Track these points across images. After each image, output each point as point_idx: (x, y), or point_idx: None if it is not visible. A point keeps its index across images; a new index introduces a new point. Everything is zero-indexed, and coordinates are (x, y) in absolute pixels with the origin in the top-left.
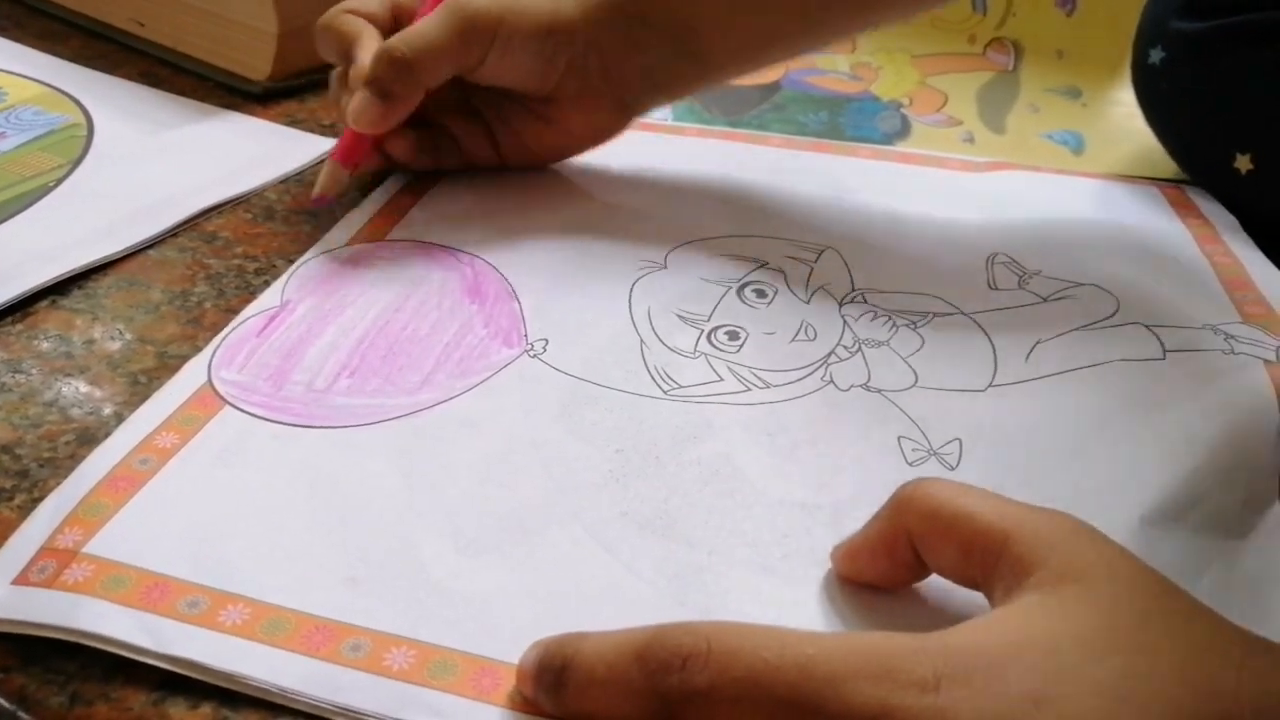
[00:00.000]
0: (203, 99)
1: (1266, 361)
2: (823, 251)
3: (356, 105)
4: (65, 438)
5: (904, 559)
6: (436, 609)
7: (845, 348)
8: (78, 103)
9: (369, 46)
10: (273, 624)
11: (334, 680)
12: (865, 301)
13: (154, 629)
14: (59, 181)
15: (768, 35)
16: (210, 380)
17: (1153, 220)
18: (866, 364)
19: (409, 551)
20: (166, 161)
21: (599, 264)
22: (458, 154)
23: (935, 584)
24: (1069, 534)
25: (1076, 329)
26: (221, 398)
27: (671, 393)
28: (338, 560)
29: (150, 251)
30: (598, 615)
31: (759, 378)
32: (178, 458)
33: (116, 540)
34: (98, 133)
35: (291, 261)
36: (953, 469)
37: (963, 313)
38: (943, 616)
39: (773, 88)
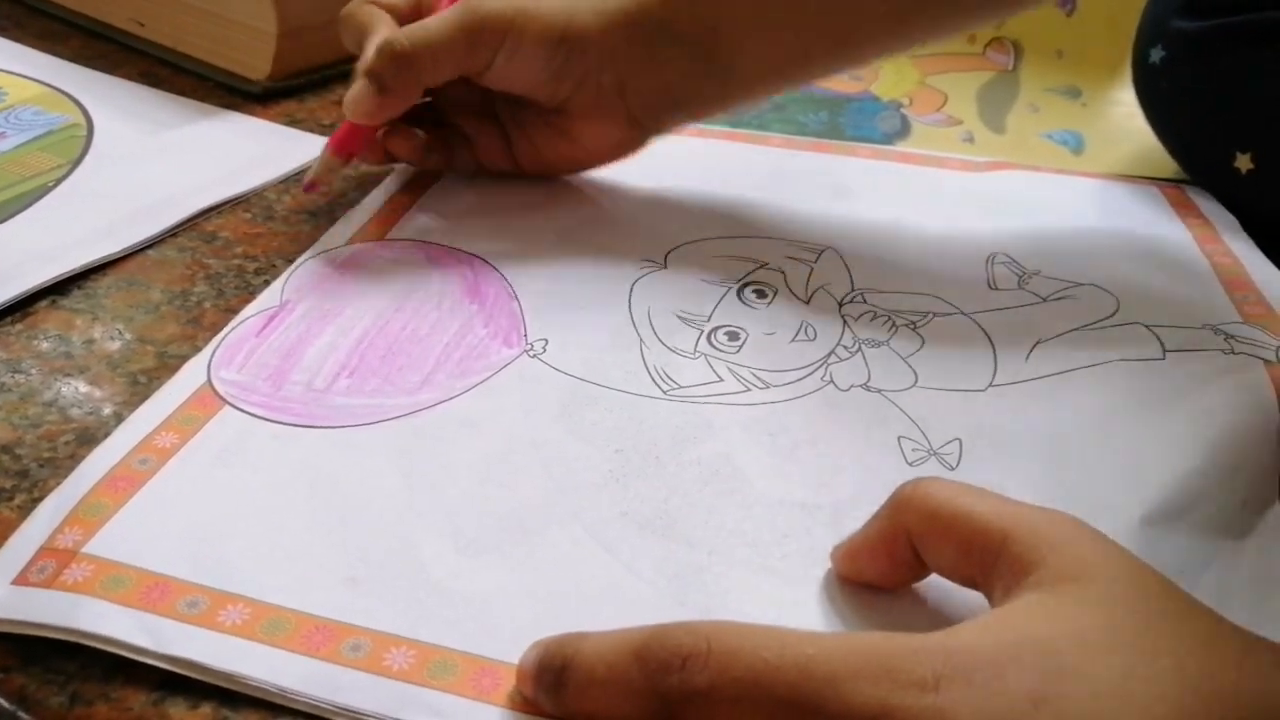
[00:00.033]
0: (202, 99)
1: (1266, 361)
2: (823, 251)
3: (352, 95)
4: (65, 438)
5: (904, 559)
6: (436, 609)
7: (845, 348)
8: (77, 103)
9: (380, 37)
10: (272, 624)
11: (334, 680)
12: (865, 301)
13: (154, 629)
14: (59, 181)
15: (798, 52)
16: (210, 380)
17: (1153, 220)
18: (866, 364)
19: (409, 551)
20: (166, 161)
21: (599, 264)
22: (471, 157)
23: (935, 584)
24: (1068, 534)
25: (1076, 329)
26: (221, 398)
27: (671, 393)
28: (338, 560)
29: (150, 251)
30: (598, 615)
31: (759, 378)
32: (177, 458)
33: (116, 540)
34: (97, 133)
35: (291, 261)
36: (953, 469)
37: (963, 313)
38: (942, 616)
39: None
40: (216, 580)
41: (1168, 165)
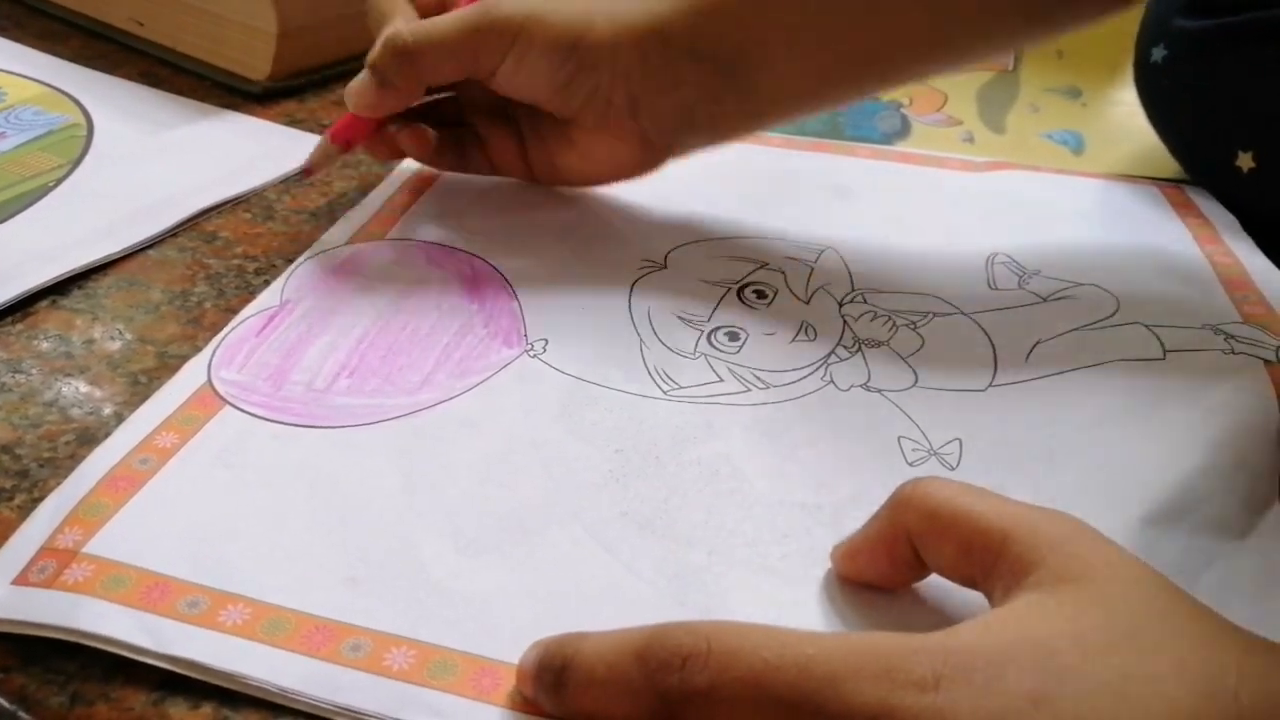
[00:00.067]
0: (202, 99)
1: (1266, 361)
2: (823, 252)
3: (354, 84)
4: (65, 438)
5: (904, 558)
6: (436, 609)
7: (845, 348)
8: (77, 103)
9: (391, 28)
10: (273, 624)
11: (334, 680)
12: (865, 301)
13: (154, 629)
14: (59, 181)
15: (830, 71)
16: (210, 380)
17: (1153, 220)
18: (867, 364)
19: (409, 551)
20: (166, 161)
21: (599, 264)
22: (484, 160)
23: (935, 584)
24: (1068, 534)
25: (1077, 329)
26: (221, 398)
27: (671, 393)
28: (338, 560)
29: (150, 251)
30: (598, 615)
31: (759, 378)
32: (178, 458)
33: (116, 540)
34: (97, 133)
35: (291, 261)
36: (953, 469)
37: (963, 313)
38: (942, 616)
39: None
40: (217, 580)
41: (1168, 165)
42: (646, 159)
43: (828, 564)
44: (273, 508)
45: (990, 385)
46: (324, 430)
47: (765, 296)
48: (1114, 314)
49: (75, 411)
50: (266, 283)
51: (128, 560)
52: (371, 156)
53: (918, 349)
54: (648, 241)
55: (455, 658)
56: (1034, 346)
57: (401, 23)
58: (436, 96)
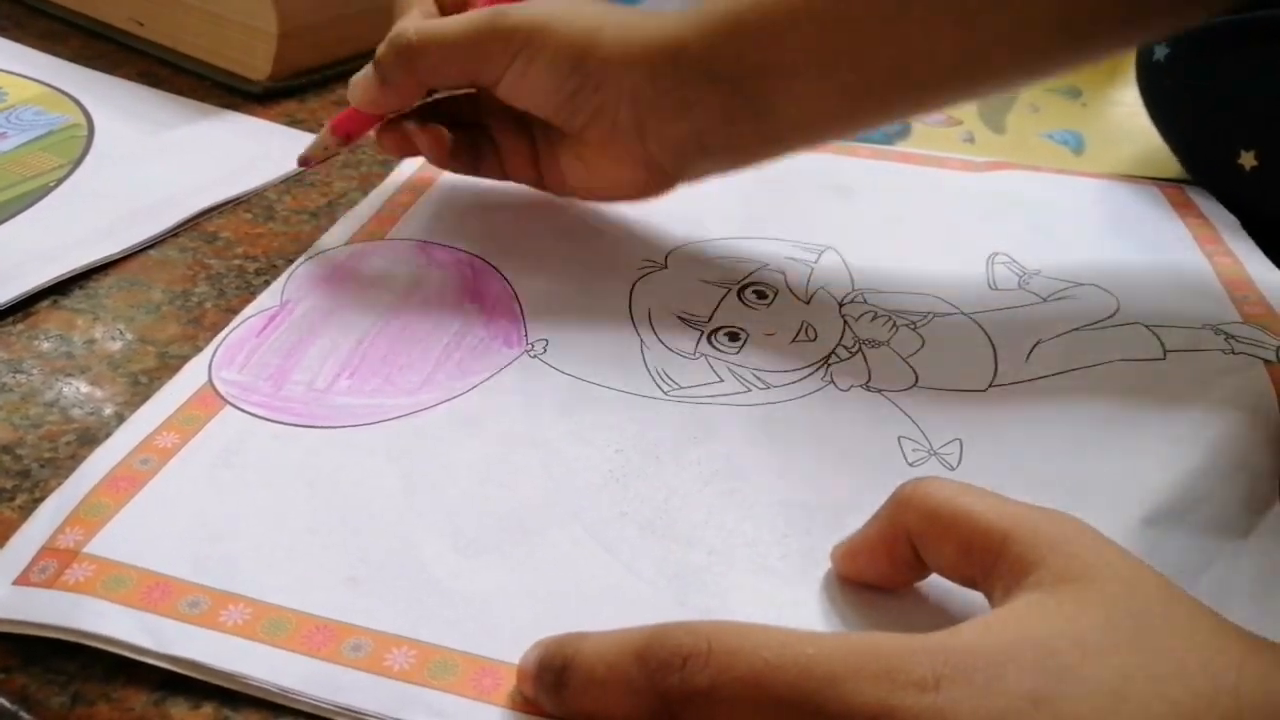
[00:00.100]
0: (203, 99)
1: (1267, 361)
2: (823, 252)
3: (356, 78)
4: (66, 438)
5: (904, 558)
6: (437, 609)
7: (845, 348)
8: (78, 103)
9: (408, 18)
10: (273, 624)
11: (335, 680)
12: (865, 302)
13: (155, 629)
14: (59, 181)
15: (854, 94)
16: (211, 380)
17: (1153, 220)
18: (867, 364)
19: (409, 551)
20: (167, 161)
21: (599, 264)
22: (497, 165)
23: (935, 584)
24: (1069, 534)
25: (1077, 329)
26: (222, 398)
27: (672, 393)
28: (338, 560)
29: (151, 251)
30: (598, 615)
31: (759, 378)
32: (178, 458)
33: (117, 540)
34: (98, 133)
35: (292, 261)
36: (953, 469)
37: (963, 313)
38: (942, 616)
39: None
40: (217, 580)
41: (1168, 165)
42: (654, 183)
43: (828, 564)
44: (273, 508)
45: (990, 385)
46: (325, 430)
47: (765, 297)
48: (1114, 314)
49: (76, 412)
50: (267, 283)
51: (128, 560)
52: (384, 151)
53: (918, 349)
54: (648, 241)
55: (456, 658)
56: (1034, 346)
57: (411, 20)
58: (453, 92)
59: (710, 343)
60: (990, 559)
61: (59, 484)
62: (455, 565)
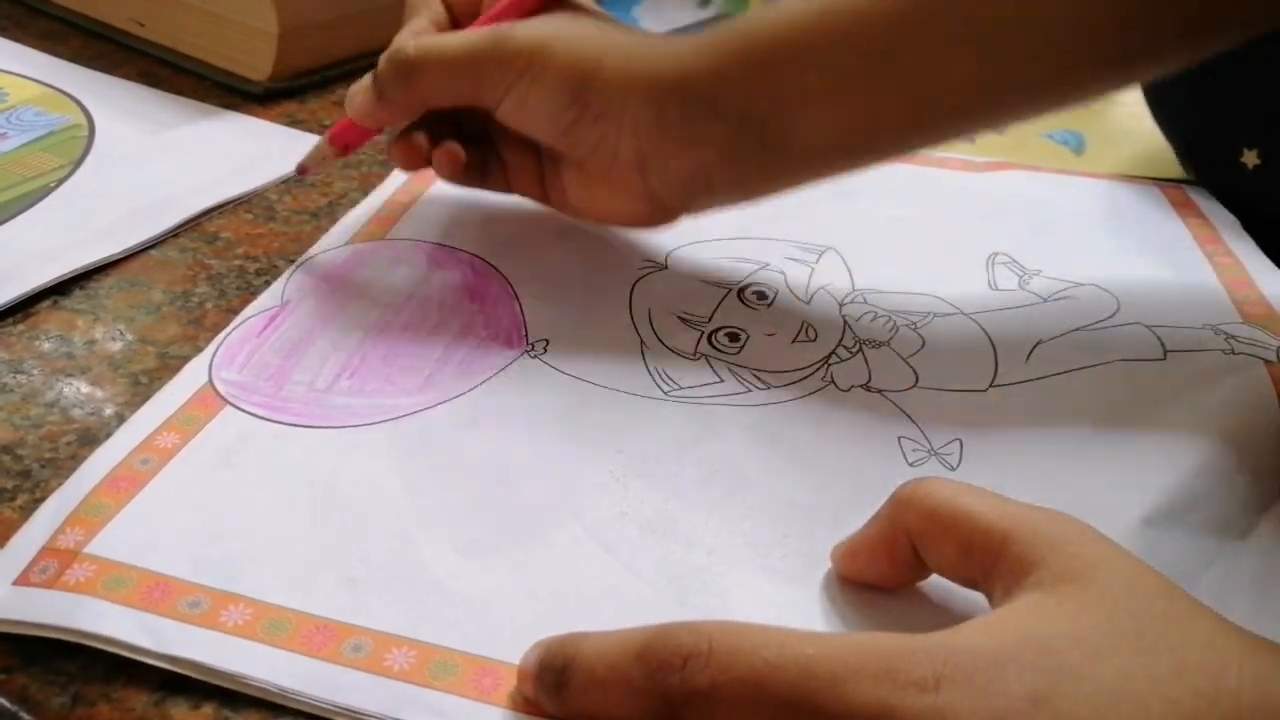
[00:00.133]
0: (203, 99)
1: (1267, 361)
2: (823, 252)
3: (354, 90)
4: (66, 438)
5: (904, 558)
6: (437, 609)
7: (846, 348)
8: (79, 103)
9: (414, 25)
10: (274, 624)
11: (335, 680)
12: (866, 302)
13: (155, 629)
14: (60, 182)
15: (871, 124)
16: (211, 380)
17: (1153, 220)
18: (867, 364)
19: (410, 552)
20: (167, 162)
21: (599, 265)
22: (503, 181)
23: (935, 584)
24: (1069, 534)
25: (1077, 329)
26: (222, 398)
27: (672, 393)
28: (339, 560)
29: (151, 252)
30: (598, 615)
31: (759, 379)
32: (179, 458)
33: (118, 540)
34: (99, 133)
35: (292, 261)
36: (953, 469)
37: (963, 313)
38: (943, 616)
39: None
40: (218, 580)
41: (1168, 165)
42: (655, 215)
43: (828, 564)
44: (274, 508)
45: (991, 385)
46: (325, 430)
47: (766, 297)
48: (1114, 314)
49: (76, 412)
50: (267, 283)
51: (129, 560)
52: (396, 164)
53: (918, 349)
54: (648, 242)
55: (456, 658)
56: (1034, 347)
57: (416, 27)
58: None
59: (710, 343)
60: (990, 559)
61: (59, 484)
62: (456, 565)
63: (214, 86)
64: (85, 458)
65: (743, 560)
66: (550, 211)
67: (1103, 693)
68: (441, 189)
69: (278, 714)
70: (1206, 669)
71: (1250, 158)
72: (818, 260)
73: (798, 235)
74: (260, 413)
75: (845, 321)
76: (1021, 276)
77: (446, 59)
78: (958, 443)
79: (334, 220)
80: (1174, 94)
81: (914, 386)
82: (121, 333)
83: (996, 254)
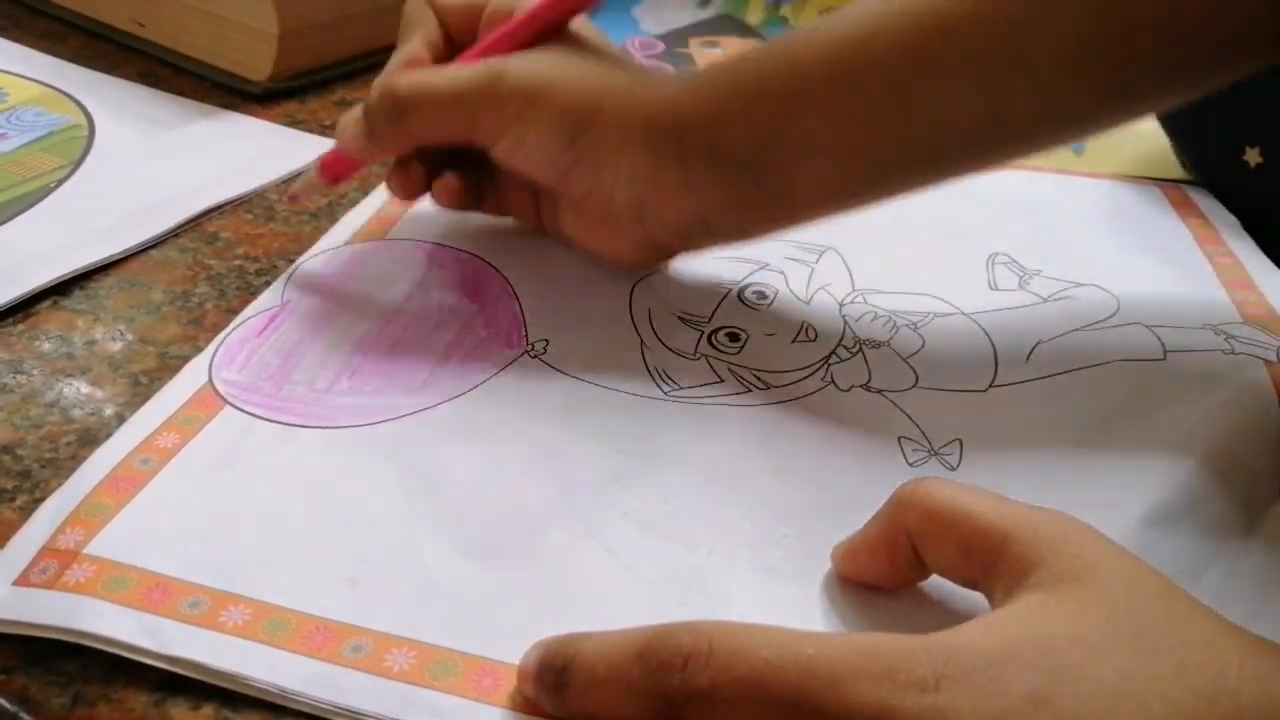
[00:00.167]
0: (203, 99)
1: (1267, 361)
2: (823, 252)
3: (344, 123)
4: (66, 438)
5: (904, 559)
6: (437, 610)
7: (846, 348)
8: (78, 103)
9: (407, 51)
10: (274, 625)
11: (335, 681)
12: (866, 302)
13: (155, 630)
14: (60, 182)
15: (874, 165)
16: (211, 380)
17: (1153, 220)
18: (867, 364)
19: (410, 552)
20: (167, 162)
21: (599, 265)
22: (500, 207)
23: (935, 584)
24: (1069, 534)
25: (1077, 329)
26: (222, 398)
27: (672, 393)
28: (339, 561)
29: (151, 252)
30: (598, 615)
31: (759, 379)
32: (178, 458)
33: (117, 541)
34: (99, 133)
35: (292, 261)
36: (953, 469)
37: (963, 313)
38: (943, 616)
39: None
40: (218, 581)
41: (1169, 165)
42: (652, 255)
43: (828, 564)
44: (273, 508)
45: (991, 386)
46: (325, 430)
47: (766, 297)
48: (1114, 314)
49: (76, 412)
50: (267, 283)
51: (129, 561)
52: (392, 193)
53: (918, 349)
54: None
55: (456, 658)
56: (1034, 347)
57: (407, 54)
58: None
59: (711, 343)
60: (990, 559)
61: (59, 484)
62: (456, 566)
63: (214, 87)
64: (85, 458)
65: (743, 560)
66: None
67: (1103, 693)
68: None
69: (278, 714)
70: (1207, 669)
71: (1253, 156)
72: (818, 260)
73: (798, 235)
74: (260, 413)
75: (845, 321)
76: (1022, 276)
77: (439, 98)
78: (957, 443)
79: (334, 220)
80: None
81: (914, 387)
82: (121, 333)
83: (997, 254)
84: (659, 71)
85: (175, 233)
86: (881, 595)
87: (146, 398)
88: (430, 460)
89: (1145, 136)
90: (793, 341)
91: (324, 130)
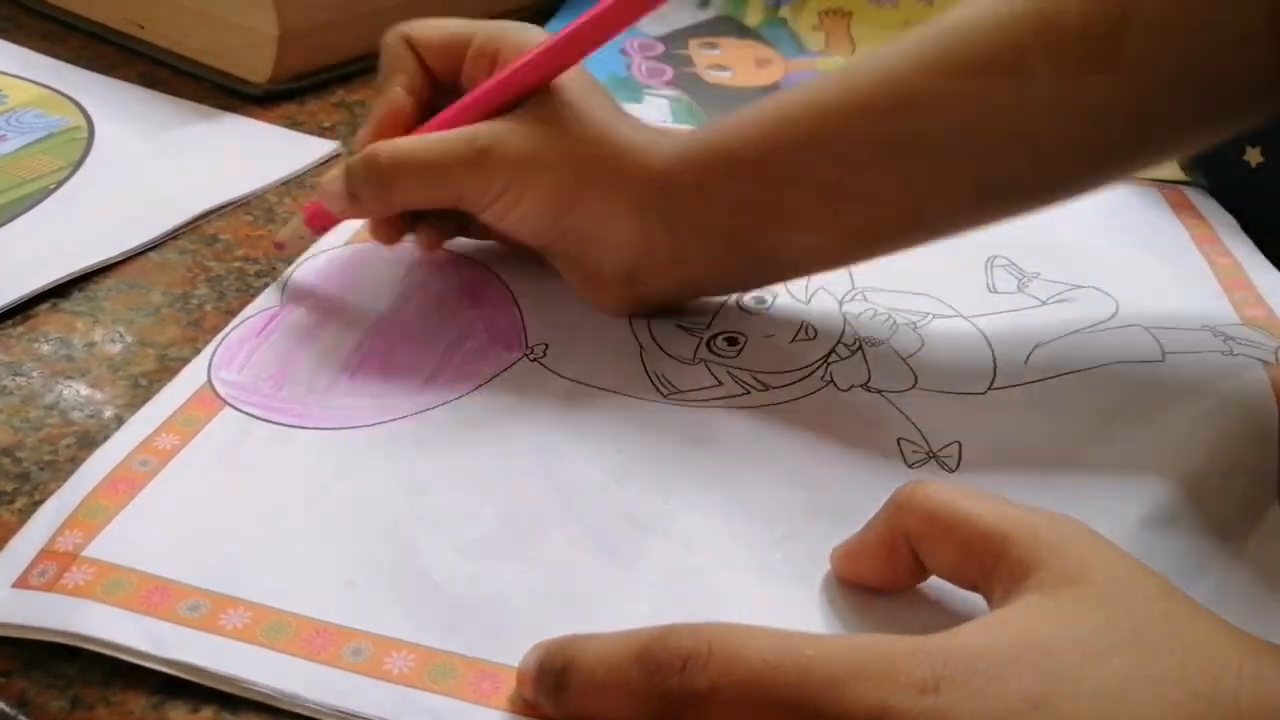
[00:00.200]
0: (203, 101)
1: (1265, 363)
2: None
3: (326, 181)
4: (66, 441)
5: (903, 560)
6: (437, 612)
7: (845, 346)
8: (78, 105)
9: (389, 99)
10: (273, 628)
11: (335, 684)
12: (865, 300)
13: (154, 633)
14: (59, 184)
15: (861, 234)
16: (210, 381)
17: (1152, 222)
18: (867, 363)
19: (409, 554)
20: (167, 164)
21: None
22: (485, 236)
23: (935, 586)
24: (1068, 536)
25: (1075, 331)
26: (221, 398)
27: (671, 396)
28: (338, 563)
29: (151, 254)
30: (598, 617)
31: (759, 380)
32: (178, 459)
33: (116, 543)
34: (98, 135)
35: (291, 263)
36: (952, 471)
37: (962, 316)
38: (942, 618)
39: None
40: (217, 584)
41: (1167, 167)
42: (639, 310)
43: (827, 566)
44: (272, 510)
45: (990, 388)
46: (324, 432)
47: (764, 302)
48: (1113, 316)
49: (76, 414)
50: (267, 285)
51: (128, 564)
52: (376, 240)
53: (917, 350)
54: None
55: (455, 661)
56: (1033, 349)
57: (401, 89)
58: None
59: (709, 348)
60: (990, 561)
61: (58, 487)
62: (455, 568)
63: (214, 88)
64: (84, 460)
65: (742, 562)
66: None
67: (1102, 694)
68: None
69: (277, 717)
70: (1206, 670)
71: (1253, 155)
72: None
73: None
74: (259, 413)
75: (845, 319)
76: (1020, 279)
77: (422, 169)
78: (956, 445)
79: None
80: None
81: (913, 388)
82: (121, 335)
83: (995, 257)
84: (647, 131)
85: (174, 234)
86: (881, 597)
87: (146, 400)
88: (430, 462)
89: None
90: (792, 341)
91: (323, 132)
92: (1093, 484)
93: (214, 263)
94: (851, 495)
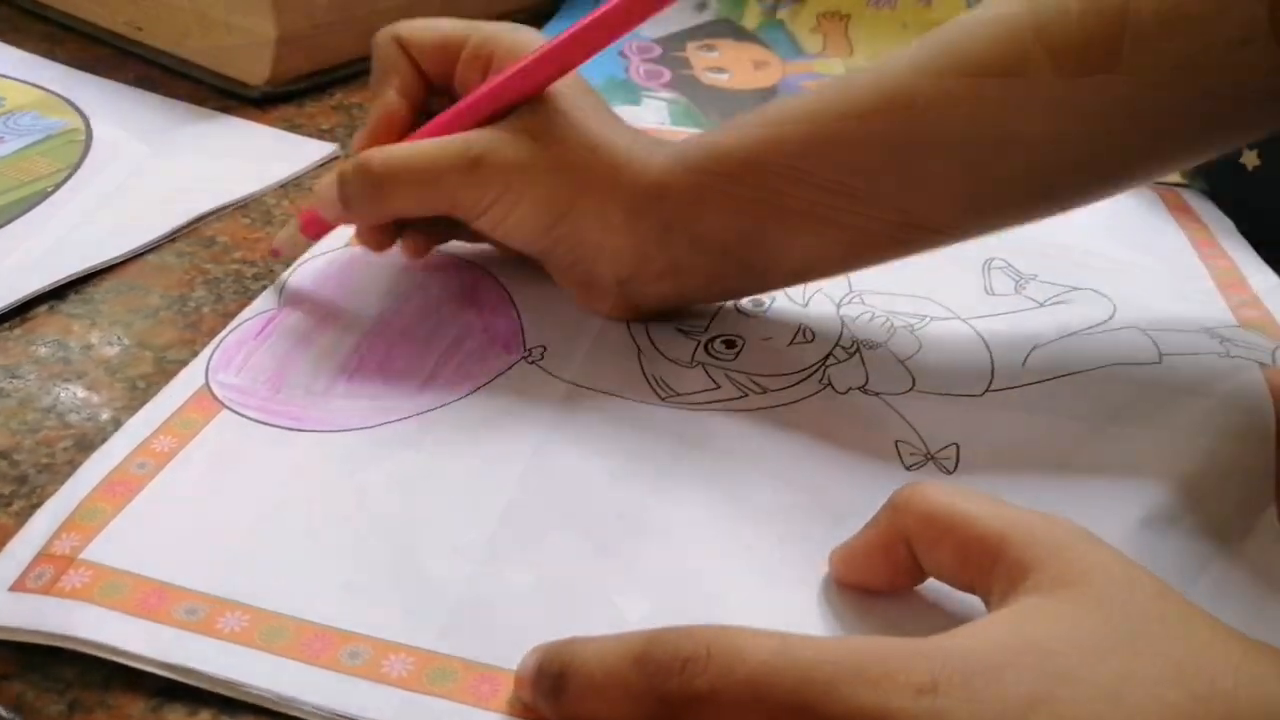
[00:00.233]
0: (201, 104)
1: (1262, 365)
2: None
3: (320, 187)
4: (63, 443)
5: (901, 563)
6: (435, 615)
7: (843, 348)
8: (76, 107)
9: (383, 104)
10: (271, 631)
11: (333, 687)
12: (863, 302)
13: (152, 636)
14: (57, 186)
15: (855, 244)
16: (208, 383)
17: (1149, 224)
18: (864, 366)
19: (407, 557)
20: (165, 166)
21: None
22: (475, 241)
23: (933, 588)
24: (1065, 538)
25: (1073, 334)
26: (219, 401)
27: (669, 399)
28: (336, 566)
29: (148, 256)
30: (596, 620)
31: (757, 383)
32: (175, 462)
33: (114, 546)
34: (96, 138)
35: (289, 265)
36: (950, 473)
37: (959, 318)
38: (940, 620)
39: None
40: (215, 587)
41: None
42: (634, 315)
43: (825, 567)
44: (271, 512)
45: (987, 390)
46: (322, 434)
47: (762, 304)
48: (1110, 318)
49: (73, 417)
50: (264, 288)
51: (125, 566)
52: (365, 246)
53: (915, 352)
54: None
55: (454, 664)
56: (1030, 351)
57: (394, 93)
58: None
59: (707, 351)
60: (987, 563)
61: (56, 490)
62: (453, 570)
63: (211, 91)
64: (82, 463)
65: (740, 564)
66: None
67: (1099, 696)
68: None
69: None
70: (1203, 672)
71: (1250, 158)
72: None
73: None
74: (257, 416)
75: (842, 321)
76: (1018, 281)
77: (415, 177)
78: (954, 447)
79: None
80: None
81: (911, 390)
82: (118, 337)
83: (992, 259)
84: (641, 139)
85: (172, 237)
86: (879, 599)
87: (143, 402)
88: (428, 464)
89: None
90: (789, 344)
91: (321, 134)
92: (1090, 486)
93: (212, 265)
94: (849, 497)
